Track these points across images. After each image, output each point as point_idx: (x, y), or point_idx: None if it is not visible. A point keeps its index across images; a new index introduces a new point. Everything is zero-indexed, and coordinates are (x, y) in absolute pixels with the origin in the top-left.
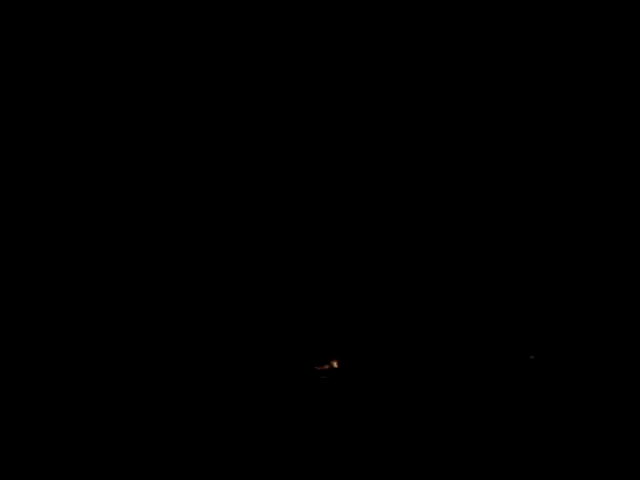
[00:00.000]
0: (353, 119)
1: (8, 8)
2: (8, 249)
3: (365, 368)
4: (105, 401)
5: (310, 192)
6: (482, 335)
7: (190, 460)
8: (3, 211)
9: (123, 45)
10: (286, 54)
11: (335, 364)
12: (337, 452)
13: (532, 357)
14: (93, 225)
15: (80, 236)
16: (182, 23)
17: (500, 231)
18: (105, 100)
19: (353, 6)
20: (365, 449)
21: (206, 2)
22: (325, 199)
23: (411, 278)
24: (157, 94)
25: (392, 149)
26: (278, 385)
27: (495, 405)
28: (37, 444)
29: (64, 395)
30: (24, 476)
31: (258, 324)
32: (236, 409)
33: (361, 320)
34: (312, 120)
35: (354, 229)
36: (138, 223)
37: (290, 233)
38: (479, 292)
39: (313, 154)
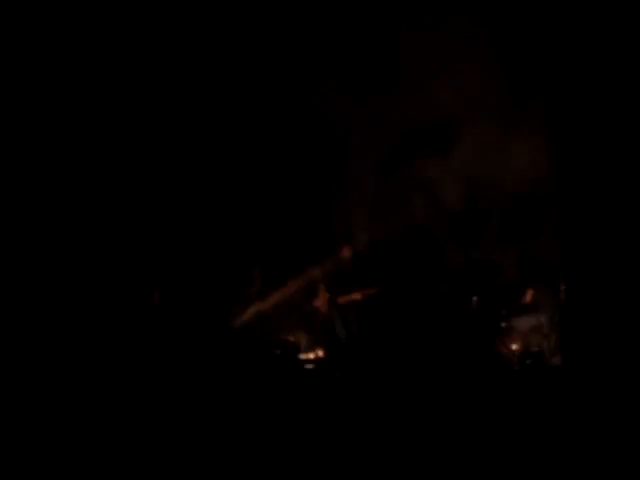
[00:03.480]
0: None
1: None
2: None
3: (351, 357)
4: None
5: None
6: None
7: (181, 455)
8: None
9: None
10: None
11: (320, 353)
12: (322, 441)
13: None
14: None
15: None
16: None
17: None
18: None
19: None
20: (351, 439)
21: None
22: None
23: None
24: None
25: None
26: (264, 375)
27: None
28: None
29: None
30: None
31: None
32: (224, 398)
33: (349, 310)
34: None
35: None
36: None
37: (284, 229)
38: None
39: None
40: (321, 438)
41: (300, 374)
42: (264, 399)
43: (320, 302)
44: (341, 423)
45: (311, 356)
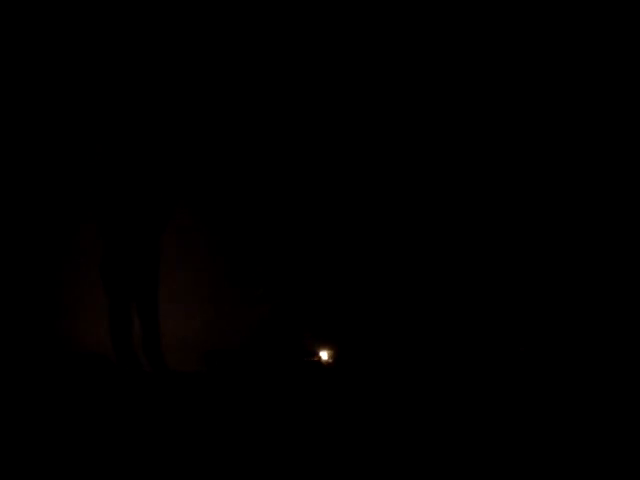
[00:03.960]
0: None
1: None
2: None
3: (356, 360)
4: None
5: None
6: (474, 330)
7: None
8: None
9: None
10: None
11: (325, 356)
12: (325, 444)
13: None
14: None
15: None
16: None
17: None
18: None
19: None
20: (355, 442)
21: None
22: (324, 198)
23: (403, 272)
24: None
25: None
26: (268, 377)
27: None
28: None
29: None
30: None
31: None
32: (226, 399)
33: (351, 312)
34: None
35: (349, 224)
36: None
37: (286, 227)
38: (473, 287)
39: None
40: (323, 440)
41: (302, 377)
42: (268, 401)
43: None
44: (343, 426)
45: (315, 358)
